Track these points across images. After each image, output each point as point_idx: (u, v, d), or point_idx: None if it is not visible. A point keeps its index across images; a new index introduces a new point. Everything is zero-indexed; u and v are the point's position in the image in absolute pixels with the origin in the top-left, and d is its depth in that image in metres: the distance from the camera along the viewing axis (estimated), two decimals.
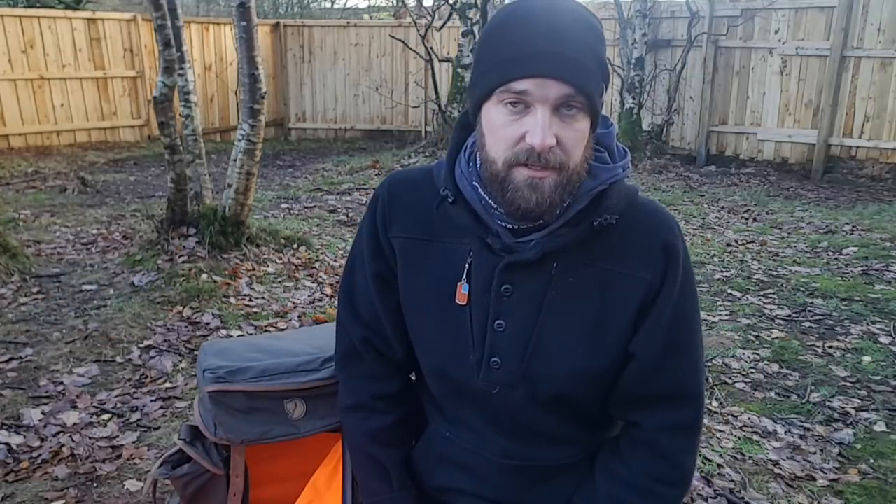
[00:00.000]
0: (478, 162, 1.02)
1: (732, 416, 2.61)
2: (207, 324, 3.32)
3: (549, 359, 1.01)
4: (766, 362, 3.09)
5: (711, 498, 2.10)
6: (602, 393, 1.06)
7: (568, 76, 0.89)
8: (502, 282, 1.01)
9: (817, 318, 3.64)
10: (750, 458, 2.33)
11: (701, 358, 1.06)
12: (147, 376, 2.82)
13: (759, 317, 3.65)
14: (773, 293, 4.02)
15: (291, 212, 5.93)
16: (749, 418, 2.59)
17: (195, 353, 3.00)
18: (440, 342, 1.07)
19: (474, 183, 1.02)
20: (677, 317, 1.02)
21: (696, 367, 1.05)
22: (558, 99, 0.90)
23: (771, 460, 2.32)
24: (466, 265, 1.04)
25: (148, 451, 2.30)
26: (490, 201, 1.00)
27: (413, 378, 1.25)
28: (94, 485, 2.12)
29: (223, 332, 3.26)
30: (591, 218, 0.98)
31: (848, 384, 2.89)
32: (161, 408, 2.57)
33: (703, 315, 3.65)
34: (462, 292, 1.04)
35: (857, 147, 7.65)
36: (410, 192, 1.10)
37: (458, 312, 1.04)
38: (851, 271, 4.45)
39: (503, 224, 1.01)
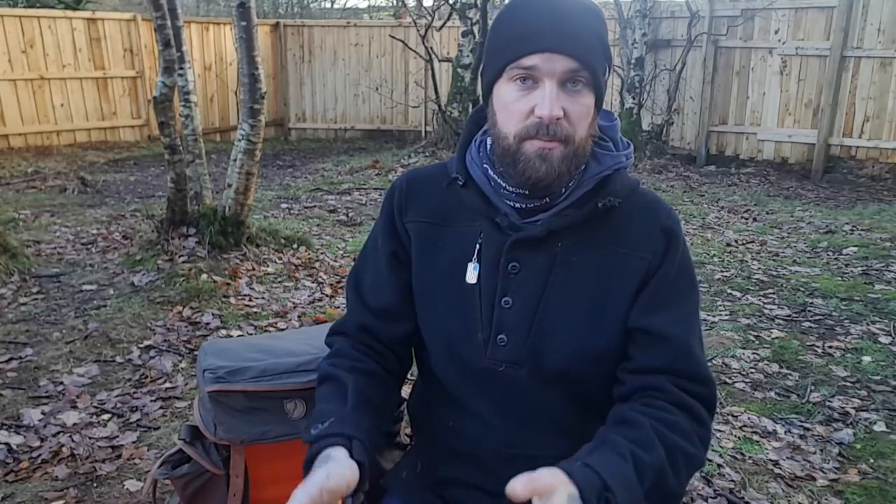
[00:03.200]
0: (488, 146, 1.08)
1: (732, 416, 2.61)
2: (207, 324, 3.32)
3: (553, 335, 1.05)
4: (766, 362, 3.09)
5: (711, 498, 2.10)
6: (606, 373, 1.08)
7: (572, 51, 0.96)
8: (510, 259, 1.06)
9: (817, 318, 3.64)
10: (750, 458, 2.33)
11: (699, 335, 1.07)
12: (147, 376, 2.82)
13: (759, 317, 3.65)
14: (773, 293, 4.02)
15: (291, 212, 5.94)
16: (749, 418, 2.59)
17: (195, 353, 3.00)
18: (450, 322, 1.10)
19: (484, 166, 1.09)
20: (673, 291, 1.05)
21: (696, 342, 1.06)
22: (564, 73, 0.96)
23: (771, 460, 2.32)
24: (477, 246, 1.09)
25: (148, 451, 2.30)
26: (499, 181, 1.06)
27: (415, 382, 1.25)
28: (94, 485, 2.12)
29: (223, 332, 3.26)
30: (596, 200, 1.04)
31: (848, 384, 2.89)
32: (161, 408, 2.57)
33: (703, 315, 3.65)
34: (472, 272, 1.09)
35: (857, 147, 7.65)
36: (426, 183, 1.16)
37: (468, 292, 1.09)
38: (851, 271, 4.45)
39: (511, 204, 1.07)
